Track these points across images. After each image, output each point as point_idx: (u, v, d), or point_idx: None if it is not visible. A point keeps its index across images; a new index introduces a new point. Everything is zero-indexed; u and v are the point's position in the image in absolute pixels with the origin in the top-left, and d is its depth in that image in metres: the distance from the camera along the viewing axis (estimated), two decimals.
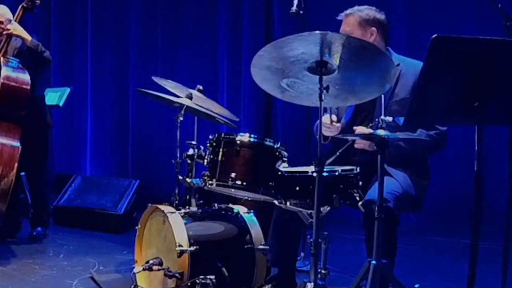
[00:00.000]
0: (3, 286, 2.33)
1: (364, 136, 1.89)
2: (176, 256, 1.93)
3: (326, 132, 2.05)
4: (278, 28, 3.94)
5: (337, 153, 1.83)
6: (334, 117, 2.05)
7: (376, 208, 1.65)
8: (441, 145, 2.00)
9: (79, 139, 4.70)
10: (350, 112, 2.14)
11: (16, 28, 2.85)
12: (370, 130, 1.89)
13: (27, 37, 2.86)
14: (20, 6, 2.91)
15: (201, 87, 2.39)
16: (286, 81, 1.73)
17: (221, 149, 1.97)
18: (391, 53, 2.11)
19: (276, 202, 1.84)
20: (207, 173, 1.99)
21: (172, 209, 2.08)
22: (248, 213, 2.19)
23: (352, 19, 2.10)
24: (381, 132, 1.68)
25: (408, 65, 2.06)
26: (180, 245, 1.93)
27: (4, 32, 2.86)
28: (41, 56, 2.89)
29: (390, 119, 1.71)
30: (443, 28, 3.44)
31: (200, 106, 2.32)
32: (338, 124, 2.07)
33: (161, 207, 2.10)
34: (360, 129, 1.95)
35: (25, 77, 2.82)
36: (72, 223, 3.47)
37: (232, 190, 1.97)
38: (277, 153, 1.92)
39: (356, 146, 1.97)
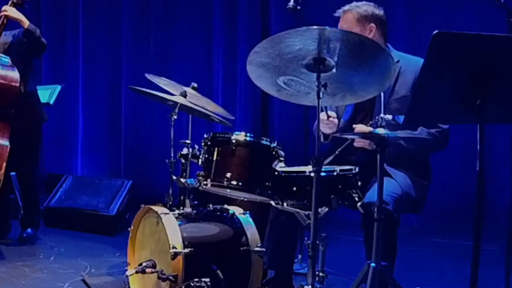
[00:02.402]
0: None
1: (363, 135, 1.86)
2: (170, 259, 1.90)
3: (324, 128, 2.03)
4: (275, 25, 3.91)
5: (336, 152, 1.81)
6: (331, 113, 2.03)
7: (376, 210, 1.62)
8: (443, 143, 1.98)
9: (70, 138, 4.66)
10: (350, 111, 2.12)
11: (13, 11, 2.79)
12: (370, 128, 1.86)
13: (25, 20, 2.82)
14: (10, 2, 2.87)
15: (195, 85, 2.36)
16: (283, 78, 1.69)
17: (216, 149, 1.93)
18: (391, 49, 2.09)
19: (272, 203, 1.82)
20: (201, 173, 1.96)
21: (166, 210, 2.05)
22: (244, 214, 2.16)
23: (350, 16, 2.08)
24: (380, 130, 1.65)
25: (408, 62, 2.04)
26: (174, 247, 1.90)
27: (1, 14, 2.80)
28: (39, 40, 2.86)
29: (390, 117, 1.70)
30: (445, 24, 3.42)
31: (195, 104, 2.29)
32: (336, 119, 2.04)
33: (155, 208, 2.07)
34: (359, 127, 1.93)
35: (14, 74, 2.78)
36: (63, 225, 3.43)
37: (228, 190, 1.95)
38: (274, 153, 1.89)
39: (355, 144, 1.94)
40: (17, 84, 2.76)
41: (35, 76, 3.19)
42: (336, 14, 2.11)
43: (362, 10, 2.06)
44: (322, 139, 1.65)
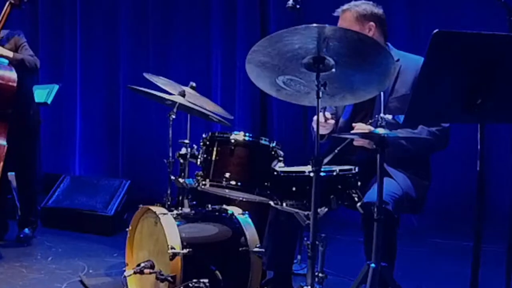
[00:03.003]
0: None
1: (363, 135, 1.85)
2: (168, 259, 1.89)
3: (320, 130, 2.00)
4: (274, 23, 3.90)
5: (335, 151, 1.79)
6: (328, 114, 2.01)
7: (375, 210, 1.61)
8: (443, 142, 1.96)
9: (68, 137, 4.64)
10: (349, 110, 2.11)
11: None
12: (369, 127, 1.85)
13: (9, 54, 2.77)
14: (7, 3, 2.85)
15: (194, 84, 2.34)
16: (282, 78, 1.68)
17: (215, 148, 1.92)
18: (391, 48, 2.08)
19: (271, 203, 1.81)
20: (200, 173, 1.95)
21: (164, 210, 2.04)
22: (243, 214, 2.15)
23: (349, 15, 2.07)
24: (380, 130, 1.64)
25: (408, 61, 2.03)
26: (172, 248, 1.89)
27: None
28: (26, 68, 2.81)
29: (390, 117, 1.69)
30: (445, 23, 3.41)
31: (193, 104, 2.28)
32: (332, 121, 2.02)
33: (153, 208, 2.06)
34: (359, 126, 1.91)
35: (12, 74, 2.77)
36: (60, 225, 3.41)
37: (226, 190, 1.93)
38: (273, 153, 1.88)
39: (355, 143, 1.94)
40: (15, 84, 2.75)
41: (33, 78, 3.15)
42: (335, 14, 2.10)
43: (361, 9, 2.05)
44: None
